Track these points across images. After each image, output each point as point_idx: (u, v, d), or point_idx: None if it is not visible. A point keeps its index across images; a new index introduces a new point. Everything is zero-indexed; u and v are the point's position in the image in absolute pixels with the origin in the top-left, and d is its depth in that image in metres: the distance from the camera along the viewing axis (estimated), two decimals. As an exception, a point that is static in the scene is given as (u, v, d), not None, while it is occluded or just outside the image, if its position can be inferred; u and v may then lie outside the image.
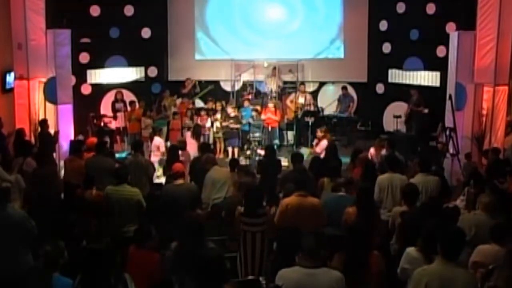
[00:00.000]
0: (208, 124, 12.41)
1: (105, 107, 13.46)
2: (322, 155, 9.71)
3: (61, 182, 8.23)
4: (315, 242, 3.94)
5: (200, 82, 14.14)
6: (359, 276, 4.21)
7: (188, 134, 11.60)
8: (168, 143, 11.26)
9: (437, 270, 3.88)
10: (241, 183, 6.88)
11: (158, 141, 10.41)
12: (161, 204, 6.73)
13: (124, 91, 13.39)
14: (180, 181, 6.76)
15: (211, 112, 12.72)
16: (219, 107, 12.69)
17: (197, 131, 11.63)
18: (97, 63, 13.51)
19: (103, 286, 3.88)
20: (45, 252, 4.29)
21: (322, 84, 14.70)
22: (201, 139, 11.66)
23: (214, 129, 12.51)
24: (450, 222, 5.44)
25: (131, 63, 14.04)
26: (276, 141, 12.92)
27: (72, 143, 9.57)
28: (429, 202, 5.75)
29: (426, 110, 12.29)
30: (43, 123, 10.34)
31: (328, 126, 13.13)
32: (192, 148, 10.36)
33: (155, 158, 9.97)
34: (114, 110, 12.96)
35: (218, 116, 12.48)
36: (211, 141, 12.43)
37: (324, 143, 10.19)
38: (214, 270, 3.73)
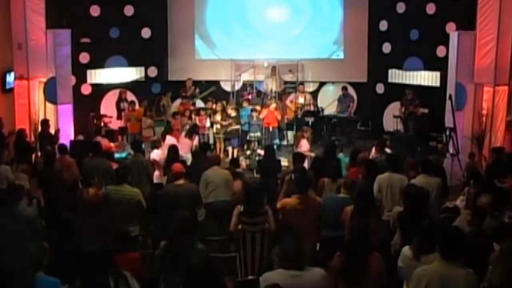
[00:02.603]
0: (208, 124, 12.38)
1: (105, 107, 13.46)
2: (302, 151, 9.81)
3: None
4: (294, 247, 3.88)
5: (200, 82, 14.15)
6: (359, 276, 4.20)
7: (183, 134, 11.47)
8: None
9: (437, 270, 3.88)
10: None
11: (171, 140, 10.20)
12: (161, 204, 6.73)
13: (124, 91, 13.42)
14: (180, 181, 6.75)
15: (210, 112, 12.69)
16: (219, 108, 12.67)
17: (191, 131, 10.98)
18: (97, 63, 13.50)
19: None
20: (30, 253, 4.27)
21: (322, 84, 14.69)
22: (197, 139, 11.33)
23: (214, 129, 12.49)
24: (449, 221, 5.43)
25: (131, 63, 14.04)
26: (276, 141, 12.92)
27: (65, 144, 9.54)
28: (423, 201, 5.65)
29: (426, 110, 12.30)
30: (45, 123, 10.35)
31: (328, 126, 13.25)
32: (184, 147, 10.11)
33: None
34: (119, 110, 12.95)
35: (218, 116, 12.46)
36: (211, 141, 12.41)
37: (303, 142, 10.41)
38: (201, 275, 3.69)
